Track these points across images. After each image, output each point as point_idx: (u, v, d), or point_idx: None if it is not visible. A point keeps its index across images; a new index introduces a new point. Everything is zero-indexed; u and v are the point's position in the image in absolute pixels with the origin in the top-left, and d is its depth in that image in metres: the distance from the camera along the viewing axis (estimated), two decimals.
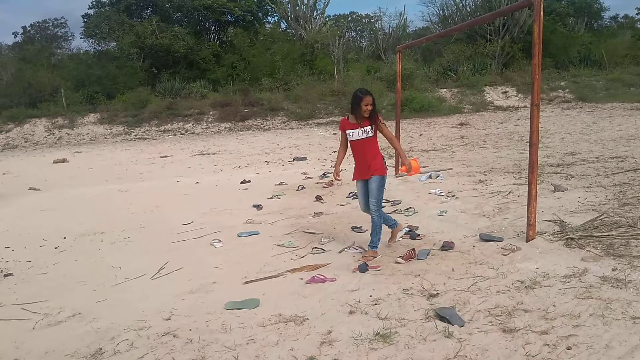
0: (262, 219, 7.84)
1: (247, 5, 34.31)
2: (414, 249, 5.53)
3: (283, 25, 38.84)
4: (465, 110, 25.32)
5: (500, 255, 5.29)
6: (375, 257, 5.57)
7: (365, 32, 50.06)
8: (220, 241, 6.72)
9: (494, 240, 5.77)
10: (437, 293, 4.46)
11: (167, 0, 34.11)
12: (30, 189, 12.49)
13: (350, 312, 4.25)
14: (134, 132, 25.85)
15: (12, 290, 5.47)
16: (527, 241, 5.54)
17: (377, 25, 43.48)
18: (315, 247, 6.12)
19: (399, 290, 4.62)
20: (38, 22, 40.91)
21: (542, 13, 5.39)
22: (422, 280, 4.80)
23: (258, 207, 8.71)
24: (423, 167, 11.31)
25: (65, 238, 7.57)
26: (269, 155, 15.59)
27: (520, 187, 8.14)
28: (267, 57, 30.89)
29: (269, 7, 36.61)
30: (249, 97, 27.61)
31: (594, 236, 5.43)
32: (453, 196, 8.26)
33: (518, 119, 20.34)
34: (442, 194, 8.48)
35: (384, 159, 5.84)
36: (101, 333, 4.24)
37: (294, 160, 14.05)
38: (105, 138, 25.36)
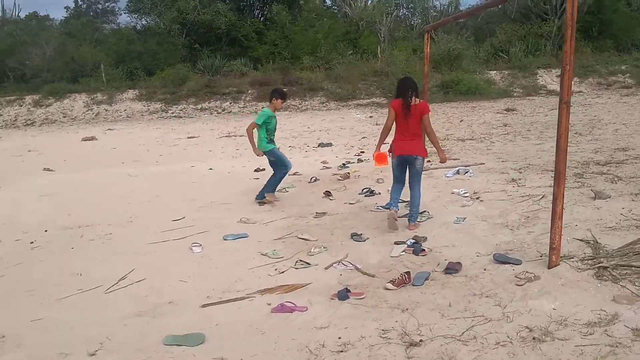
0: (258, 218, 7.04)
1: None
2: (408, 272, 4.60)
3: (328, 1, 37.61)
4: (515, 94, 23.72)
5: (512, 286, 4.31)
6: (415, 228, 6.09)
7: (417, 10, 48.22)
8: (201, 245, 5.95)
9: (510, 263, 4.78)
10: (421, 340, 3.55)
11: None
12: (45, 169, 12.12)
13: None
14: (171, 109, 25.46)
15: None
16: (549, 268, 4.52)
17: (429, 2, 41.62)
18: (300, 261, 5.26)
19: (376, 332, 3.73)
20: None
21: None
22: (409, 318, 3.89)
23: (260, 202, 7.91)
24: (454, 159, 10.27)
25: (46, 231, 6.99)
26: (296, 139, 14.74)
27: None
28: (310, 34, 29.88)
29: None
30: (289, 76, 26.74)
31: (632, 266, 4.36)
32: (477, 198, 7.23)
33: (571, 106, 18.70)
34: (465, 194, 7.46)
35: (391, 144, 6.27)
36: None
37: (318, 146, 13.17)
38: (142, 115, 25.08)
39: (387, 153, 6.38)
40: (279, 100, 7.68)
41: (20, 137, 19.60)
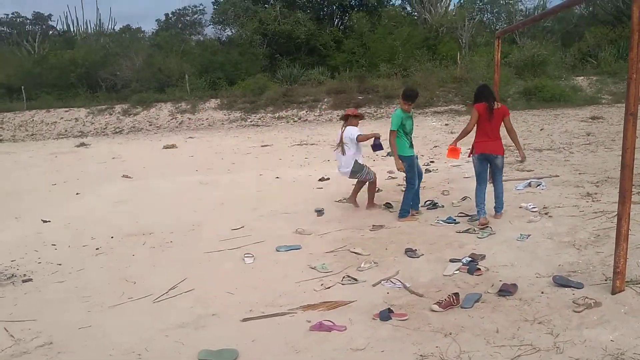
0: (314, 229, 6.98)
1: None
2: (457, 294, 4.36)
3: (408, 8, 37.15)
4: (603, 101, 22.38)
5: (570, 312, 3.99)
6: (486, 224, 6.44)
7: (502, 14, 46.75)
8: (253, 256, 5.96)
9: (570, 287, 4.44)
10: None
11: None
12: (123, 176, 12.65)
13: None
14: (249, 118, 26.00)
15: (14, 302, 5.11)
16: (612, 293, 4.16)
17: (515, 6, 40.16)
18: (347, 277, 5.14)
19: (413, 357, 3.54)
20: (179, 10, 42.58)
21: None
22: (451, 343, 3.67)
23: (319, 212, 7.86)
24: (528, 170, 9.79)
25: (112, 237, 7.26)
26: (365, 148, 14.54)
27: (635, 207, 6.49)
28: (388, 42, 29.64)
29: None
30: (365, 83, 26.65)
31: None
32: (546, 214, 6.80)
33: None
34: (534, 209, 7.05)
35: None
36: None
37: (387, 155, 12.93)
38: (222, 124, 25.74)
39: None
40: (402, 101, 6.90)
41: (107, 145, 20.63)
